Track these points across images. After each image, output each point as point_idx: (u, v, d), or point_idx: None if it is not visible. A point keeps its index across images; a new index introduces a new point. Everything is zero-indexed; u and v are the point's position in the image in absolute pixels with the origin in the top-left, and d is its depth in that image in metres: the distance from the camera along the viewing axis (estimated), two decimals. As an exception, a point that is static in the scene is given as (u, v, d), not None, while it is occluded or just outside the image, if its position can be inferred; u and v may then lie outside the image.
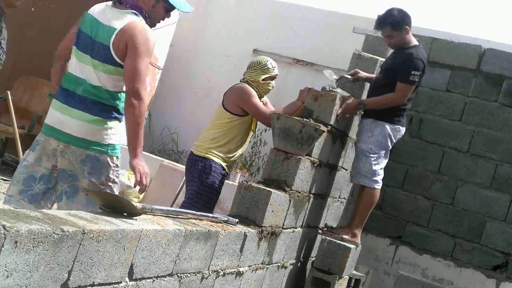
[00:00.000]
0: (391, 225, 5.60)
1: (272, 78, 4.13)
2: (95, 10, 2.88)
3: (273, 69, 4.11)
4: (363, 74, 4.53)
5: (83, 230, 1.81)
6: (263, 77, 4.06)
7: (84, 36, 2.83)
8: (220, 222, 2.87)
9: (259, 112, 4.00)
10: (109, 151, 2.88)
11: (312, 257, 4.46)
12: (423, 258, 5.48)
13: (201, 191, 3.90)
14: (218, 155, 3.96)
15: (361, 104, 4.22)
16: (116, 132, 2.90)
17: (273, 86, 4.16)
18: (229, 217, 3.01)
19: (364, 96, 4.61)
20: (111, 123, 2.86)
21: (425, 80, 5.67)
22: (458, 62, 5.56)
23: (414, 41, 4.30)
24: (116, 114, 2.88)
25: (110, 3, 2.90)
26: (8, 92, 6.08)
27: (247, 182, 3.40)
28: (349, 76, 4.46)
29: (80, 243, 1.81)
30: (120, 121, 2.92)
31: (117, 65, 2.78)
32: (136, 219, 2.25)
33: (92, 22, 2.83)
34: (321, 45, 6.78)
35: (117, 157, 2.94)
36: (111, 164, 2.90)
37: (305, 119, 3.69)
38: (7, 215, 1.63)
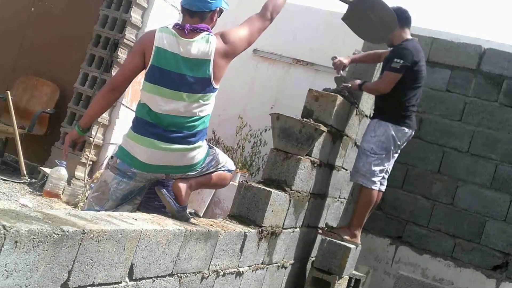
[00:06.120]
0: (391, 225, 5.60)
1: None
2: (166, 44, 2.75)
3: None
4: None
5: (83, 230, 1.81)
6: None
7: (170, 74, 2.74)
8: None
9: None
10: (193, 168, 2.88)
11: (312, 257, 4.46)
12: (423, 258, 5.47)
13: None
14: None
15: (362, 84, 4.32)
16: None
17: None
18: None
19: (363, 94, 4.62)
20: (203, 143, 2.88)
21: (425, 80, 5.69)
22: (458, 62, 5.56)
23: (408, 37, 4.32)
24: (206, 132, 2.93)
25: (173, 31, 2.78)
26: (8, 92, 6.08)
27: (247, 182, 3.41)
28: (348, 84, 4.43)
29: (80, 243, 1.80)
30: None
31: (215, 91, 2.82)
32: (136, 219, 2.25)
33: (175, 59, 2.74)
34: (321, 45, 6.76)
35: None
36: None
37: (305, 119, 3.70)
38: (7, 215, 1.63)
